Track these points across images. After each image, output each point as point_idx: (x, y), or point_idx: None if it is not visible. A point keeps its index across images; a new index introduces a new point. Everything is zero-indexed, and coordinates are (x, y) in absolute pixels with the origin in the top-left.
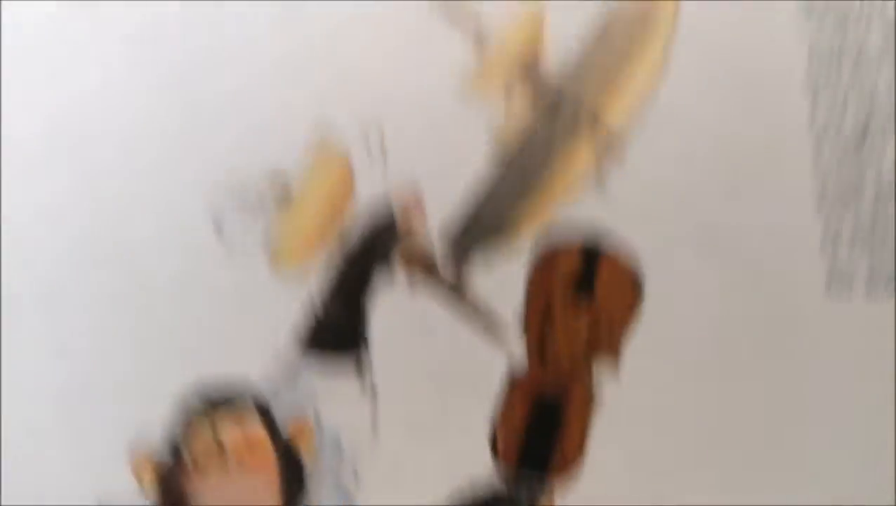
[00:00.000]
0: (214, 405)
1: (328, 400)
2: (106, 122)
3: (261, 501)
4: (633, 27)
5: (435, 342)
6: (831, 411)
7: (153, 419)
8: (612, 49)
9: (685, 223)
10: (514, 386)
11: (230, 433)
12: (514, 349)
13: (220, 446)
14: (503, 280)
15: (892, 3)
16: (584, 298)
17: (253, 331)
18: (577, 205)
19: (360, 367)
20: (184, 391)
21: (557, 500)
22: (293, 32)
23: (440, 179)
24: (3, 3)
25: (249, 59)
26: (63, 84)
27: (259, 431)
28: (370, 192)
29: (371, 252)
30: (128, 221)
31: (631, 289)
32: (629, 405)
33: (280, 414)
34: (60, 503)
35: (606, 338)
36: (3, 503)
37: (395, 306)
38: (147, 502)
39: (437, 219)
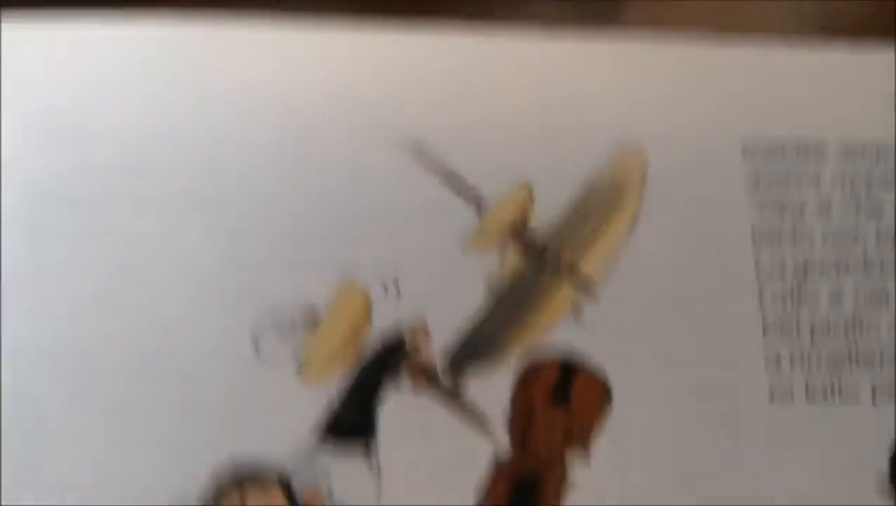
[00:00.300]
0: (244, 476)
1: (340, 478)
2: (168, 264)
3: None
4: (607, 196)
5: (434, 436)
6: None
7: (190, 489)
8: (588, 213)
9: (648, 346)
10: (498, 469)
11: (256, 500)
12: (499, 442)
13: None
14: (493, 388)
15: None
16: (561, 404)
17: (281, 427)
18: (557, 331)
19: (369, 452)
20: (218, 466)
21: None
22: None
23: (444, 312)
24: None
25: (291, 211)
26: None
27: (280, 499)
28: (385, 322)
29: (382, 364)
30: (181, 338)
31: (601, 396)
32: (598, 488)
33: (299, 487)
34: None
35: (579, 435)
36: None
37: (401, 407)
38: None
39: (439, 342)
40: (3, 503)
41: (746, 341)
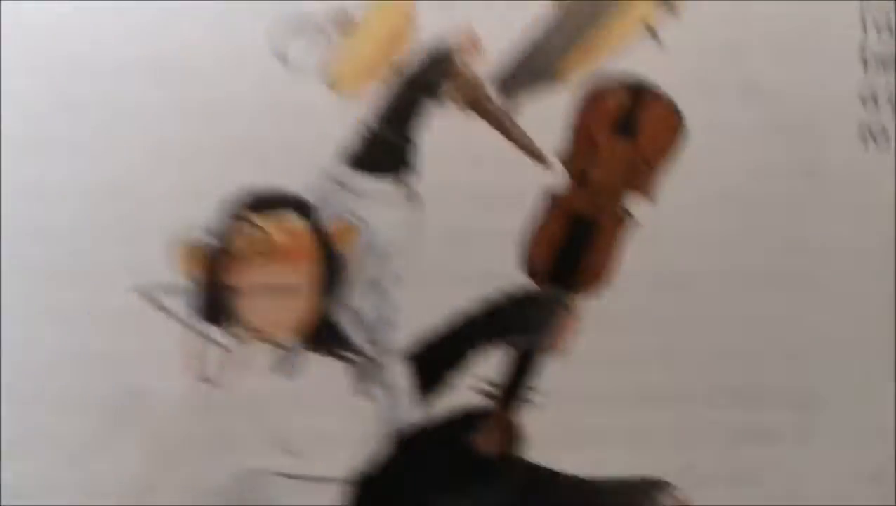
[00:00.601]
0: (262, 203)
1: (372, 207)
2: None
3: (300, 291)
4: None
5: (481, 163)
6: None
7: (202, 218)
8: None
9: (732, 74)
10: (552, 203)
11: (274, 227)
12: (555, 173)
13: (263, 237)
14: (550, 113)
15: None
16: (627, 134)
17: (308, 144)
18: (628, 53)
19: (407, 177)
20: (230, 193)
21: (581, 310)
22: None
23: (499, 23)
24: None
25: None
26: None
27: (302, 227)
28: (431, 30)
29: (426, 78)
30: (194, 40)
31: (673, 127)
32: (661, 229)
33: (325, 217)
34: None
35: (645, 170)
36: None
37: (445, 129)
38: (189, 286)
39: (492, 56)
40: (2, 502)
41: (843, 76)
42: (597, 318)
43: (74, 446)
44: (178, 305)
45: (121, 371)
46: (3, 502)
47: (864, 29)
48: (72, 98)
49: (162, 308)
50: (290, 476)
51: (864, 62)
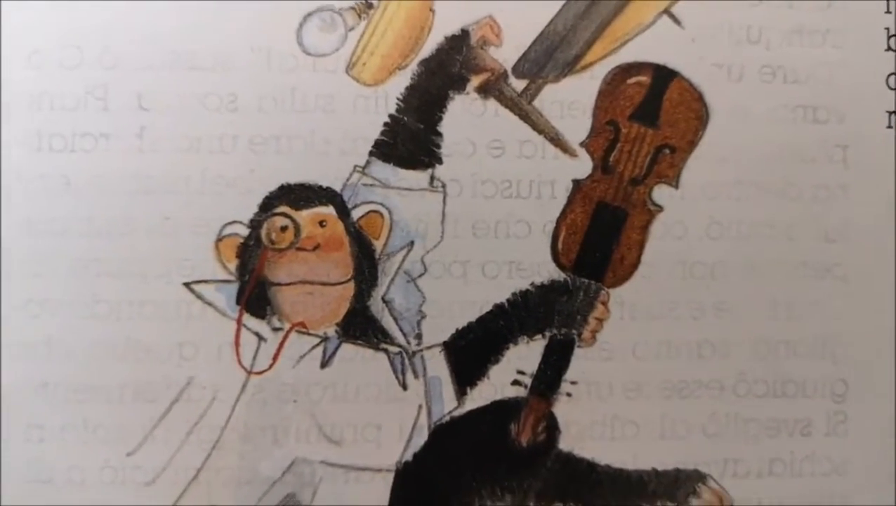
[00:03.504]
0: (294, 196)
1: (401, 198)
2: None
3: (332, 278)
4: None
5: (504, 150)
6: (886, 232)
7: (241, 213)
8: None
9: (754, 56)
10: (577, 192)
11: (306, 218)
12: (578, 159)
13: (296, 228)
14: (572, 98)
15: None
16: (651, 118)
17: (335, 139)
18: (649, 36)
19: (431, 165)
20: (265, 188)
21: (611, 301)
22: None
23: (518, 11)
24: None
25: None
26: None
27: (333, 217)
28: (449, 15)
29: (448, 70)
30: (226, 36)
31: (697, 111)
32: (685, 215)
33: (355, 209)
34: (149, 289)
35: (670, 157)
36: (103, 263)
37: (467, 116)
38: (230, 279)
39: (511, 40)
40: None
41: (869, 56)
42: (627, 308)
43: (120, 438)
44: (221, 298)
45: (166, 363)
46: (52, 492)
47: (891, 10)
48: (106, 93)
49: (205, 301)
50: (334, 465)
51: (891, 47)
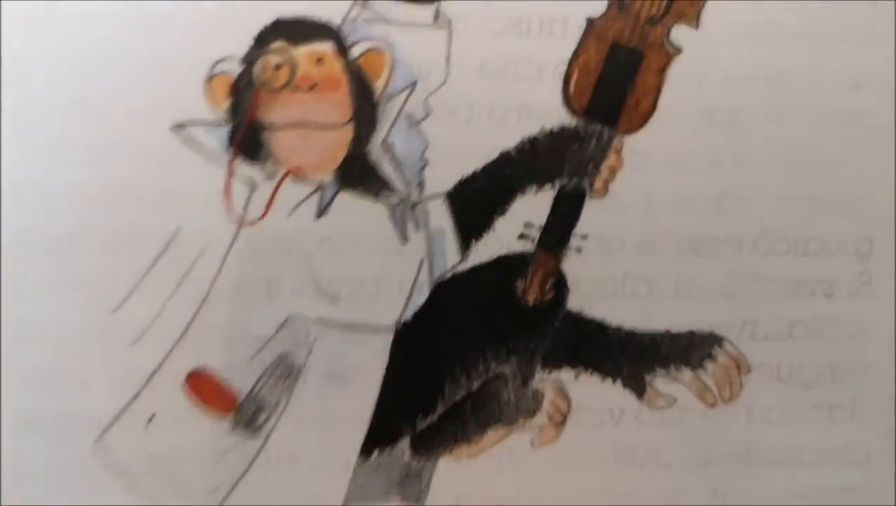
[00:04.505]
0: (290, 31)
1: (403, 35)
2: None
3: (329, 120)
4: None
5: None
6: None
7: (231, 52)
8: None
9: None
10: (591, 31)
11: (303, 55)
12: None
13: (291, 66)
14: None
15: None
16: None
17: None
18: None
19: (437, 7)
20: (260, 22)
21: (625, 149)
22: None
23: None
24: None
25: None
26: None
27: (331, 54)
28: None
29: None
30: None
31: None
32: (705, 56)
33: (355, 46)
34: (135, 131)
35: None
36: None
37: None
38: (221, 121)
39: None
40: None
41: None
42: (641, 157)
43: (104, 293)
44: (211, 141)
45: (153, 211)
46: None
47: None
48: None
49: (194, 145)
50: (330, 323)
51: None
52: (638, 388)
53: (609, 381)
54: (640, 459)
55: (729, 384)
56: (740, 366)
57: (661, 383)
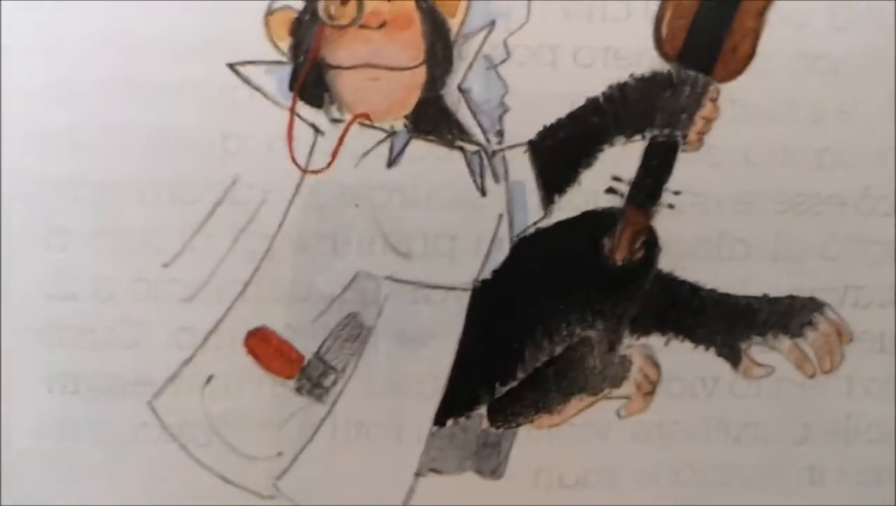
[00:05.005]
0: None
1: None
2: None
3: (400, 61)
4: None
5: None
6: None
7: None
8: None
9: None
10: None
11: None
12: None
13: (359, 1)
14: None
15: None
16: None
17: None
18: None
19: None
20: None
21: (721, 98)
22: None
23: None
24: None
25: None
26: None
27: None
28: None
29: None
30: None
31: None
32: (808, 4)
33: None
34: (189, 70)
35: None
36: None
37: None
38: (282, 60)
39: None
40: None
41: None
42: (739, 107)
43: (155, 247)
44: (271, 82)
45: (207, 158)
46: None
47: None
48: None
49: (252, 86)
50: (402, 281)
51: None
52: (733, 356)
53: (701, 348)
54: (733, 432)
55: (829, 354)
56: (842, 334)
57: (757, 351)
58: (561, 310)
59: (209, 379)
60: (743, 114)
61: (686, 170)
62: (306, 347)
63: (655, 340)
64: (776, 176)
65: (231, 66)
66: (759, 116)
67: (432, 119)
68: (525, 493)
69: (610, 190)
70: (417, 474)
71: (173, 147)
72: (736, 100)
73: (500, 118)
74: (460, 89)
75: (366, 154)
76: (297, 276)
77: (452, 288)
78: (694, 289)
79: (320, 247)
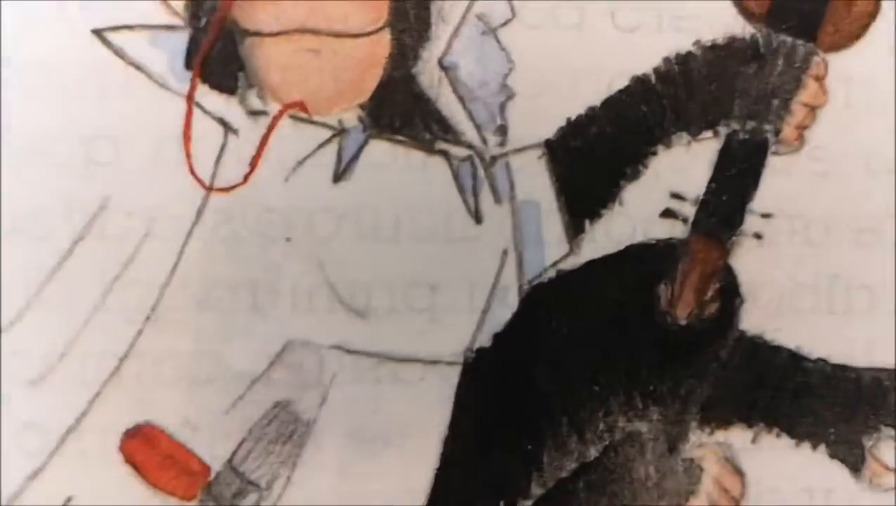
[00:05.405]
0: None
1: None
2: None
3: (352, 25)
4: None
5: None
6: None
7: None
8: None
9: None
10: None
11: None
12: None
13: None
14: None
15: None
16: None
17: None
18: None
19: None
20: None
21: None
22: None
23: None
24: None
25: None
26: None
27: None
28: None
29: None
30: None
31: None
32: None
33: None
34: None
35: None
36: None
37: None
38: (175, 25)
39: None
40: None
41: None
42: (856, 89)
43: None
44: (159, 56)
45: (70, 172)
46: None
47: None
48: None
49: (130, 61)
50: (356, 352)
51: None
52: (853, 457)
53: (807, 446)
54: None
55: None
56: None
57: (887, 448)
58: (596, 393)
59: (67, 502)
60: (862, 100)
61: (780, 182)
62: (213, 454)
63: (738, 436)
64: None
65: (97, 32)
66: (884, 104)
67: (400, 110)
68: None
69: (667, 213)
70: None
71: (9, 157)
72: (852, 78)
73: (502, 108)
74: (442, 66)
75: (301, 163)
76: (198, 345)
77: (434, 362)
78: (794, 359)
79: (234, 302)
